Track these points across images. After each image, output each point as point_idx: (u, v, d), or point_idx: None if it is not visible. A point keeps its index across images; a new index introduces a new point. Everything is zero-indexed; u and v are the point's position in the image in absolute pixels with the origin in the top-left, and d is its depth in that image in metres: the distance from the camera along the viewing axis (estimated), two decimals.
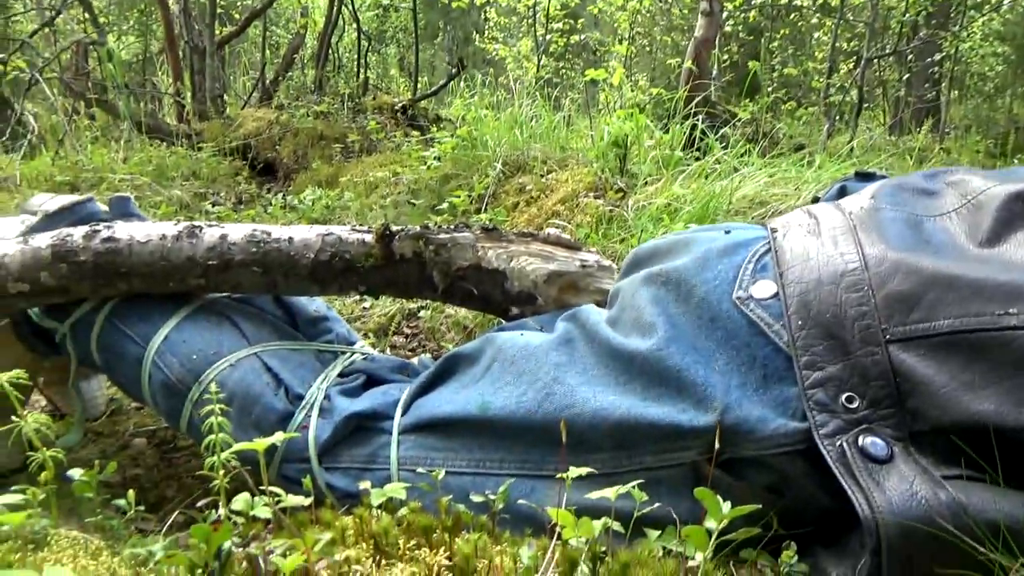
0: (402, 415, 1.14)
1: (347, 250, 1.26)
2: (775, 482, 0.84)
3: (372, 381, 1.26)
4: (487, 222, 1.34)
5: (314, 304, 1.43)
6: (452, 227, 1.31)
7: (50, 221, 1.33)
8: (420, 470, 1.06)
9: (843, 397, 0.79)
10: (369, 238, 1.28)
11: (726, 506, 0.63)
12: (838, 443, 0.77)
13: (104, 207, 1.42)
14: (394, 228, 1.28)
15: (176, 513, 1.10)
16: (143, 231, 1.23)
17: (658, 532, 0.82)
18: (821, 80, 6.96)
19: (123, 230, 1.23)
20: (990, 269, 0.79)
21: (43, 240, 1.21)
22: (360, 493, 1.03)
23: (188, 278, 1.23)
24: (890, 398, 0.78)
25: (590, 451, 0.93)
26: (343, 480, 1.11)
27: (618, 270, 1.29)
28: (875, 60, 6.90)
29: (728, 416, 0.84)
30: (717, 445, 0.82)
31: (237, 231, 1.26)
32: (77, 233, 1.22)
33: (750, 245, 1.01)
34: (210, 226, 1.26)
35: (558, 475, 0.83)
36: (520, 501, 0.94)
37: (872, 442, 0.76)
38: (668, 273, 1.03)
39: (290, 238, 1.26)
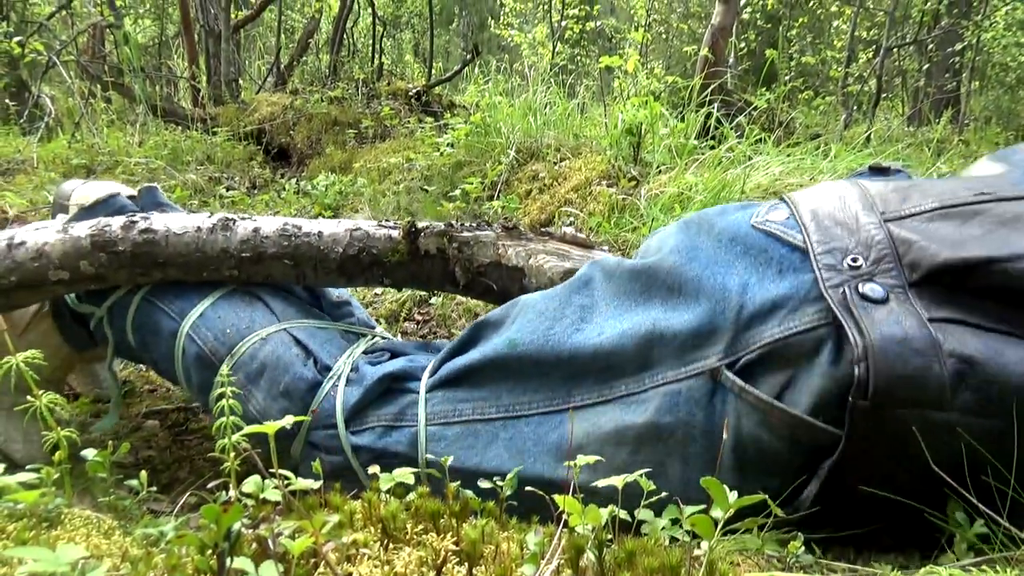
0: (430, 376, 1.18)
1: (374, 245, 1.32)
2: (784, 383, 0.88)
3: (396, 357, 1.29)
4: (507, 220, 1.39)
5: (337, 289, 1.49)
6: (475, 225, 1.36)
7: (86, 215, 1.39)
8: (449, 421, 1.11)
9: (848, 258, 0.89)
10: (396, 234, 1.33)
11: (732, 495, 0.63)
12: (841, 290, 0.87)
13: (131, 192, 1.49)
14: (420, 225, 1.33)
15: (188, 494, 1.11)
16: (179, 223, 1.29)
17: (663, 521, 0.83)
18: (839, 69, 6.89)
19: (160, 221, 1.29)
20: (958, 181, 1.00)
21: (82, 230, 1.27)
22: (387, 448, 1.11)
23: (222, 268, 1.29)
24: (889, 258, 0.88)
25: (616, 377, 1.00)
26: (369, 437, 1.14)
27: None
28: (895, 49, 6.82)
29: (745, 311, 0.92)
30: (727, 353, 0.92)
31: (269, 225, 1.31)
32: (116, 223, 1.27)
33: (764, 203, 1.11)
34: (243, 219, 1.32)
35: (566, 463, 0.84)
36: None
37: (871, 288, 0.86)
38: (691, 217, 1.13)
39: (320, 232, 1.32)
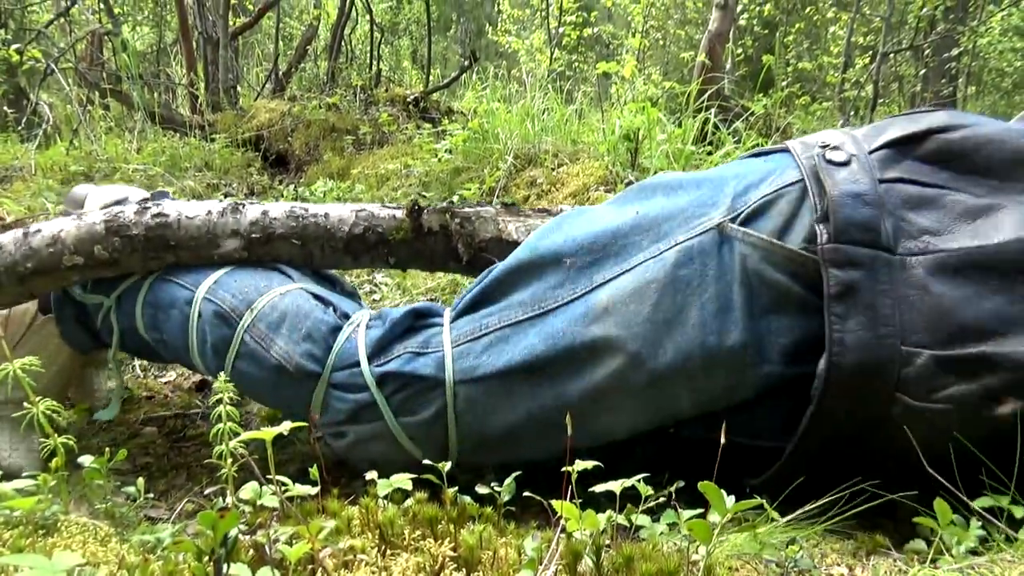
0: (452, 312, 1.23)
1: (379, 224, 1.37)
2: (780, 227, 1.04)
3: None
4: (506, 199, 1.41)
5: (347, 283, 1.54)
6: (476, 203, 1.42)
7: None
8: (476, 336, 1.15)
9: (819, 142, 1.10)
10: (399, 213, 1.38)
11: (730, 500, 0.63)
12: (812, 159, 1.06)
13: (144, 195, 1.51)
14: (422, 203, 1.38)
15: (185, 501, 1.11)
16: (191, 208, 1.33)
17: (662, 525, 0.82)
18: (836, 75, 6.91)
19: (172, 207, 1.32)
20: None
21: (96, 216, 1.31)
22: (415, 372, 1.15)
23: (232, 251, 1.33)
24: (851, 140, 1.09)
25: (634, 252, 1.11)
26: (395, 364, 1.16)
27: None
28: (891, 55, 6.84)
29: (740, 183, 1.11)
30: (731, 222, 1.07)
31: (277, 208, 1.36)
32: (128, 210, 1.31)
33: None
34: (252, 203, 1.37)
35: (562, 469, 0.84)
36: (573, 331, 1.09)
37: (836, 154, 1.05)
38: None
39: (326, 213, 1.37)
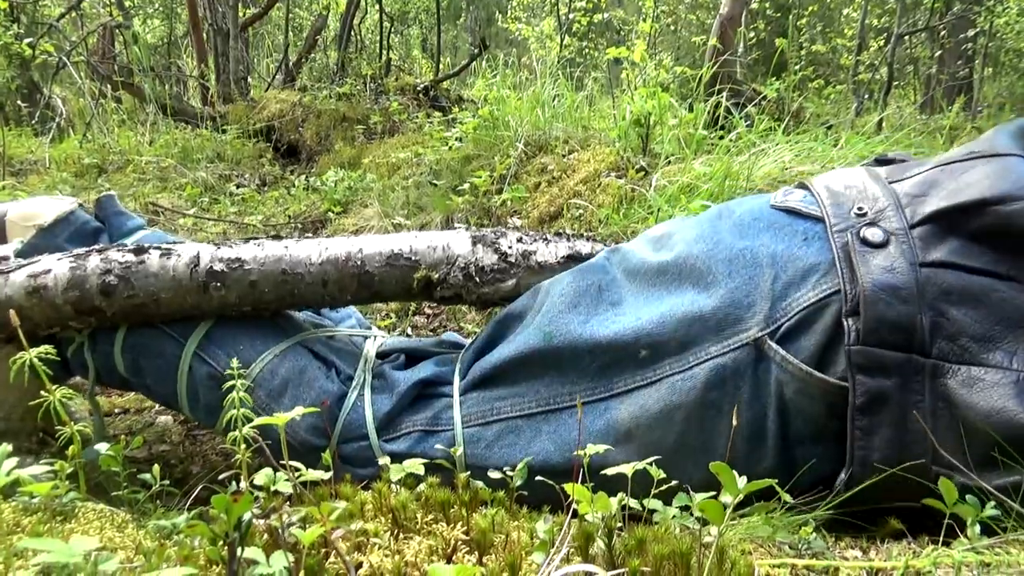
0: (461, 379, 1.16)
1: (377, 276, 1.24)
2: (823, 346, 0.91)
3: (412, 358, 1.28)
4: (529, 236, 1.31)
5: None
6: (495, 269, 1.24)
7: (47, 234, 1.33)
8: (487, 421, 1.09)
9: (855, 208, 0.97)
10: (419, 274, 1.25)
11: (741, 481, 0.63)
12: (845, 236, 0.94)
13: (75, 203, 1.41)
14: (435, 277, 1.23)
15: (200, 488, 1.12)
16: (163, 282, 1.18)
17: (674, 508, 0.82)
18: (850, 57, 6.83)
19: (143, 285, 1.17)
20: (953, 150, 1.05)
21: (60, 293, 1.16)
22: (426, 454, 1.07)
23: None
24: (892, 207, 0.95)
25: (659, 359, 1.00)
26: (406, 443, 1.11)
27: None
28: (906, 36, 6.76)
29: (779, 281, 0.96)
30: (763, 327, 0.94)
31: (267, 278, 1.20)
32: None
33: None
34: (233, 269, 1.19)
35: (575, 452, 0.83)
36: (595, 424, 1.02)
37: (873, 232, 0.93)
38: (708, 211, 1.15)
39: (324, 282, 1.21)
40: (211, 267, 1.17)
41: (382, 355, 1.28)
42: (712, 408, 0.95)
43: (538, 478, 0.93)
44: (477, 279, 1.23)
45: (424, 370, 1.19)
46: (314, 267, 1.20)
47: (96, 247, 1.20)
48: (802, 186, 1.10)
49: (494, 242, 1.26)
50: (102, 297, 1.16)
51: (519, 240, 1.27)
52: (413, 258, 1.23)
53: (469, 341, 1.25)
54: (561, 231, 1.34)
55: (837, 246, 0.94)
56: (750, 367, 0.94)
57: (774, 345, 0.93)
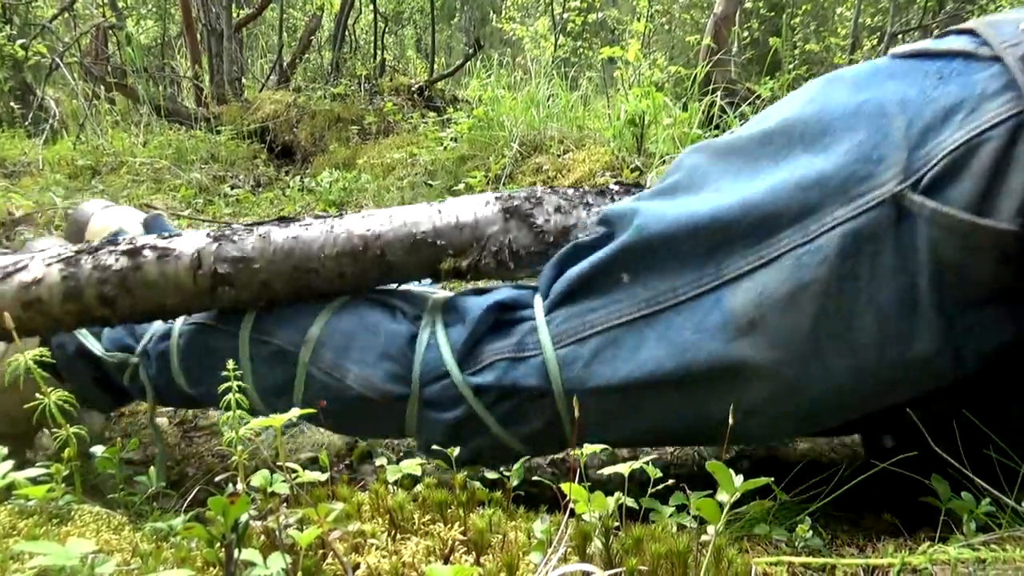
0: (543, 299, 1.04)
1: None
2: (982, 192, 0.76)
3: (481, 293, 1.16)
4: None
5: None
6: (531, 252, 1.13)
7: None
8: (580, 337, 0.96)
9: (1021, 26, 0.79)
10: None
11: (738, 479, 0.63)
12: (1020, 48, 0.76)
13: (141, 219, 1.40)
14: (464, 265, 1.13)
15: (196, 489, 1.12)
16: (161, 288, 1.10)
17: (671, 507, 0.82)
18: (844, 56, 6.84)
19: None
20: None
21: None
22: (517, 383, 0.97)
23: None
24: None
25: (773, 232, 0.85)
26: (492, 375, 1.00)
27: None
28: (900, 35, 6.77)
29: (914, 126, 0.80)
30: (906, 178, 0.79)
31: (278, 275, 1.12)
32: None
33: None
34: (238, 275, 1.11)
35: (570, 452, 0.83)
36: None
37: None
38: (814, 80, 0.97)
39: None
40: (215, 269, 1.08)
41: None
42: (849, 280, 0.80)
43: (535, 478, 0.93)
44: (511, 264, 1.11)
45: (499, 294, 1.08)
46: (328, 259, 1.09)
47: (87, 246, 1.12)
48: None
49: (528, 214, 1.11)
50: (103, 308, 1.09)
51: (557, 210, 1.12)
52: (439, 243, 1.11)
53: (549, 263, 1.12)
54: (605, 187, 1.18)
55: (1013, 58, 0.76)
56: (891, 228, 0.79)
57: (918, 198, 0.77)
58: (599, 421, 0.94)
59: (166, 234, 1.14)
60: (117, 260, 1.09)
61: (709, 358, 0.87)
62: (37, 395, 0.94)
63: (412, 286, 1.22)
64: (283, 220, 1.14)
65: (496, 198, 1.14)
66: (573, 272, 1.00)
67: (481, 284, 1.32)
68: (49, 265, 1.09)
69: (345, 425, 1.15)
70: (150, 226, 1.40)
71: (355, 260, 1.10)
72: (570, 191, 1.15)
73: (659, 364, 0.90)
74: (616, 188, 1.16)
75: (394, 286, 1.19)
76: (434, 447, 0.99)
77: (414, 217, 1.12)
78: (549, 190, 1.16)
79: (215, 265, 1.08)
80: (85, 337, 1.22)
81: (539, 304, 1.02)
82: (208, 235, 1.11)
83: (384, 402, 1.03)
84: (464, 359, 1.02)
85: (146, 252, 1.09)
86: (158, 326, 1.19)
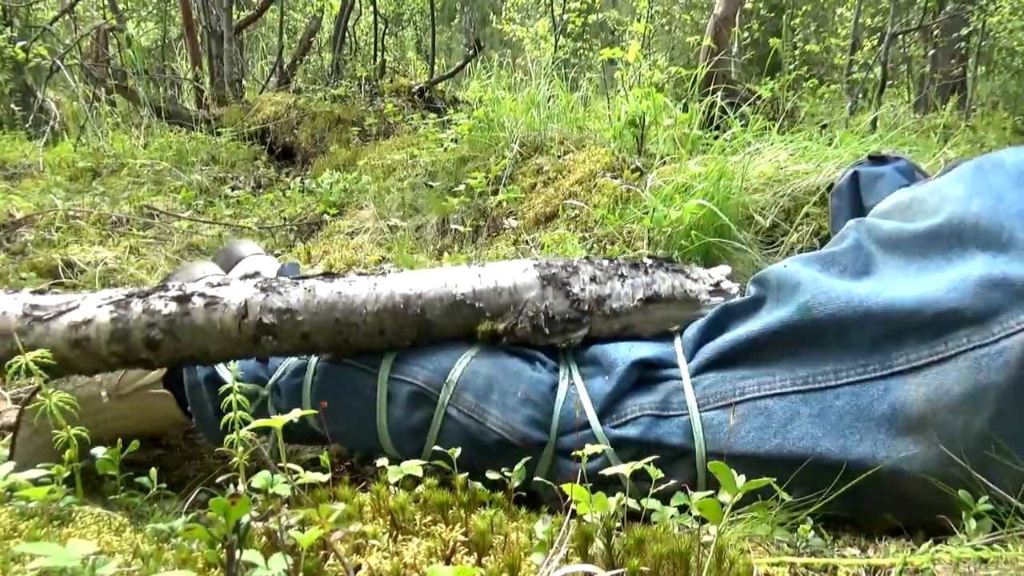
0: (688, 360, 1.04)
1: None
2: None
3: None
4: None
5: None
6: (566, 319, 1.15)
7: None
8: (729, 402, 0.95)
9: None
10: (482, 328, 1.18)
11: (740, 479, 0.63)
12: None
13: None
14: (500, 329, 1.16)
15: (197, 491, 1.12)
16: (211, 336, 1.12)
17: (672, 508, 0.82)
18: (844, 57, 6.85)
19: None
20: None
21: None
22: (661, 440, 0.97)
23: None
24: None
25: (952, 329, 0.84)
26: (635, 429, 1.00)
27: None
28: (900, 35, 6.77)
29: None
30: None
31: (320, 328, 1.14)
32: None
33: None
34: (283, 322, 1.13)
35: (573, 453, 0.83)
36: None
37: None
38: (967, 165, 0.99)
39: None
40: (260, 319, 1.10)
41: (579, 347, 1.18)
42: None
43: (536, 478, 0.93)
44: (547, 330, 1.14)
45: (641, 350, 1.08)
46: (370, 315, 1.13)
47: (136, 290, 1.15)
48: None
49: (565, 283, 1.16)
50: (148, 351, 1.11)
51: (592, 279, 1.17)
52: (477, 305, 1.15)
53: (694, 326, 1.13)
54: (639, 260, 1.22)
55: None
56: None
57: None
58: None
59: (215, 282, 1.15)
60: (167, 305, 1.11)
61: (873, 450, 0.86)
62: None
63: None
64: (328, 275, 1.17)
65: (534, 265, 1.18)
66: (727, 339, 1.00)
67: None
68: (100, 307, 1.11)
69: (474, 465, 1.08)
70: (286, 272, 1.42)
71: (395, 318, 1.14)
72: (605, 262, 1.20)
73: (815, 444, 0.89)
74: (649, 262, 1.22)
75: None
76: (536, 480, 0.99)
77: (455, 279, 1.16)
78: (586, 260, 1.20)
79: (260, 315, 1.11)
80: (218, 366, 1.22)
81: (683, 364, 1.03)
82: (256, 286, 1.14)
83: (524, 446, 1.04)
84: (605, 412, 1.02)
85: (195, 299, 1.12)
86: (292, 360, 1.20)
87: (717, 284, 1.19)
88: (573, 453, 0.95)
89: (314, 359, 1.18)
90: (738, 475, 0.85)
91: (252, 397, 1.20)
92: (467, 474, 0.91)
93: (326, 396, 1.14)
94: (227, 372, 1.22)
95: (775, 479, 0.88)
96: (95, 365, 1.12)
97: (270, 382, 1.21)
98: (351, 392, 1.14)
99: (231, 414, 0.89)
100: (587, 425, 1.01)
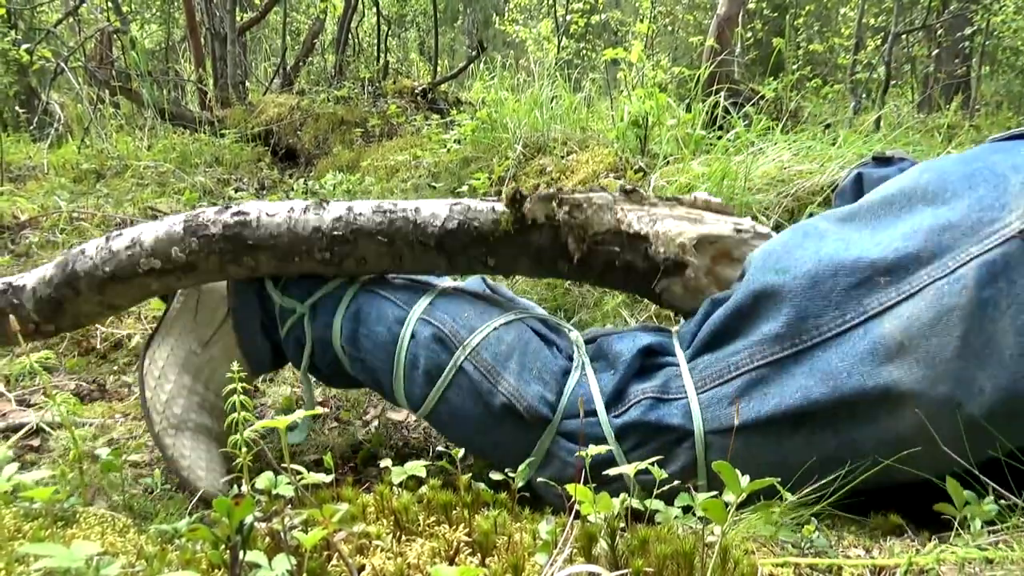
0: (684, 349, 1.09)
1: (475, 218, 1.20)
2: None
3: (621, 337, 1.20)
4: (625, 183, 1.23)
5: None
6: (589, 188, 1.21)
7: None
8: (725, 379, 1.00)
9: None
10: (499, 206, 1.21)
11: (744, 479, 0.63)
12: None
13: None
14: (525, 191, 1.20)
15: (201, 491, 1.12)
16: (272, 207, 1.23)
17: (676, 509, 0.82)
18: (847, 56, 6.84)
19: (254, 206, 1.23)
20: None
21: (177, 217, 1.22)
22: (661, 421, 1.00)
23: (313, 251, 1.20)
24: None
25: (912, 271, 0.94)
26: (636, 411, 1.03)
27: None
28: (903, 35, 6.76)
29: None
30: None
31: (363, 204, 1.23)
32: (210, 210, 1.22)
33: None
34: (337, 201, 1.25)
35: (577, 454, 0.82)
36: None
37: None
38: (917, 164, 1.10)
39: (417, 208, 1.22)
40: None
41: (588, 340, 1.21)
42: (989, 307, 0.88)
43: (539, 479, 0.93)
44: (567, 190, 1.20)
45: (644, 338, 1.12)
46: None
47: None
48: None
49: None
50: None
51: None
52: (500, 206, 1.23)
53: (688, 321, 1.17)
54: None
55: None
56: (1022, 258, 0.88)
57: None
58: (743, 462, 0.89)
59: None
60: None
61: (861, 383, 0.91)
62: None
63: (563, 323, 1.27)
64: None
65: None
66: (715, 318, 1.05)
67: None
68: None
69: (462, 426, 1.14)
70: None
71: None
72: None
73: (808, 393, 0.94)
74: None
75: (551, 320, 1.25)
76: (540, 480, 1.01)
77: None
78: None
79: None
80: (267, 281, 1.28)
81: (680, 352, 1.08)
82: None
83: (527, 418, 1.06)
84: (611, 403, 1.06)
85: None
86: (331, 285, 1.25)
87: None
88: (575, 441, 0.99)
89: (352, 286, 1.23)
90: (736, 448, 0.91)
91: (288, 313, 1.25)
92: (471, 475, 0.91)
93: (356, 320, 1.19)
94: (272, 287, 1.27)
95: (776, 442, 0.95)
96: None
97: (308, 301, 1.24)
98: (379, 320, 1.17)
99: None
100: (593, 412, 1.04)
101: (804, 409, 0.93)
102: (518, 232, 1.20)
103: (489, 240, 1.20)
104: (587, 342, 1.19)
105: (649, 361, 1.09)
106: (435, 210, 1.21)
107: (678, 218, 1.18)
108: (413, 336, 1.14)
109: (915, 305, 0.92)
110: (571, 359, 1.14)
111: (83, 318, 1.27)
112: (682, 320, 1.22)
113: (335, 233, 1.19)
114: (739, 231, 1.18)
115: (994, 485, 0.77)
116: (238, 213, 1.20)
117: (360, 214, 1.21)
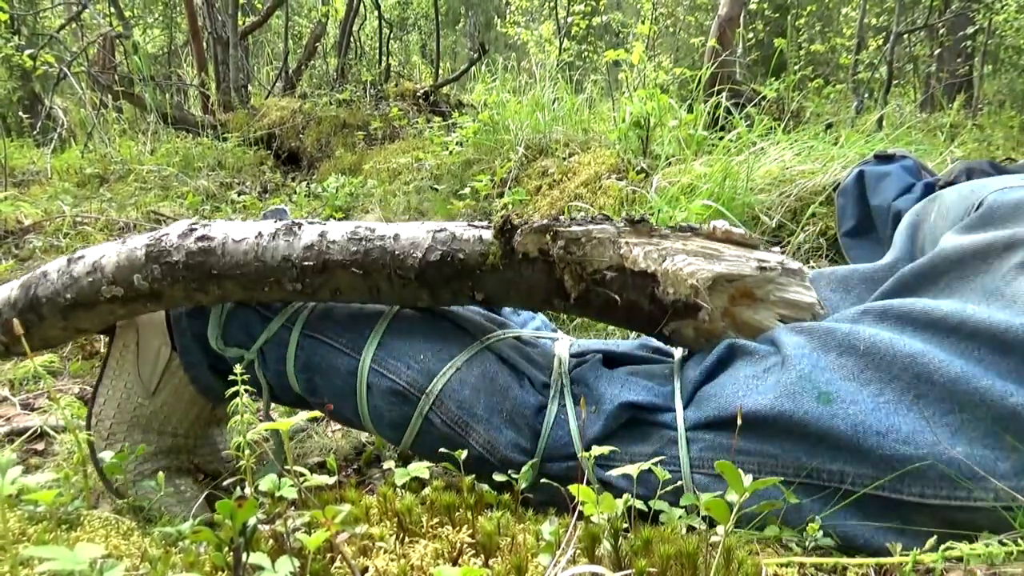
0: (685, 405, 0.97)
1: (461, 249, 1.05)
2: None
3: (611, 360, 1.11)
4: (634, 213, 1.10)
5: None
6: (589, 218, 1.07)
7: None
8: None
9: None
10: (487, 235, 1.06)
11: (747, 479, 0.63)
12: None
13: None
14: (516, 221, 1.05)
15: (204, 494, 1.12)
16: (240, 230, 1.11)
17: (680, 509, 0.82)
18: (849, 56, 6.84)
19: (220, 228, 1.11)
20: None
21: (139, 241, 1.12)
22: (628, 487, 0.87)
23: (284, 281, 1.08)
24: None
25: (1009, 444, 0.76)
26: (625, 480, 0.91)
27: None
28: (905, 35, 6.76)
29: None
30: None
31: (338, 228, 1.11)
32: (175, 231, 1.12)
33: None
34: (311, 223, 1.12)
35: (578, 455, 0.81)
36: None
37: None
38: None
39: (396, 235, 1.09)
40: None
41: (575, 355, 1.12)
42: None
43: (543, 480, 0.92)
44: (562, 221, 1.05)
45: (632, 390, 1.00)
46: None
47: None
48: None
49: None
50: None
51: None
52: (488, 234, 1.09)
53: (681, 354, 1.07)
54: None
55: None
56: None
57: None
58: None
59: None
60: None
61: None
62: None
63: (531, 331, 1.19)
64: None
65: None
66: (726, 403, 0.92)
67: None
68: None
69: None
70: (267, 217, 1.30)
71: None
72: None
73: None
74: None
75: (526, 336, 1.15)
76: (543, 480, 0.95)
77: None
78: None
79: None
80: (210, 328, 1.18)
81: (680, 412, 0.96)
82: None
83: (502, 468, 0.98)
84: (592, 447, 0.93)
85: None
86: (273, 327, 1.14)
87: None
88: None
89: (296, 332, 1.13)
90: None
91: (238, 359, 1.15)
92: (473, 476, 0.91)
93: (308, 370, 1.10)
94: (212, 332, 1.17)
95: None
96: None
97: (254, 347, 1.15)
98: (332, 371, 1.08)
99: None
100: (573, 457, 0.97)
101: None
102: (507, 267, 1.05)
103: (476, 273, 1.06)
104: (575, 356, 1.10)
105: (642, 416, 0.98)
106: (416, 238, 1.07)
107: (692, 253, 1.03)
108: (369, 389, 1.06)
109: (955, 516, 0.78)
110: (547, 387, 1.05)
111: (52, 341, 1.19)
112: (685, 351, 1.10)
113: (306, 264, 1.07)
114: (763, 268, 1.02)
115: (1001, 484, 0.77)
116: (203, 238, 1.09)
117: (333, 241, 1.08)
